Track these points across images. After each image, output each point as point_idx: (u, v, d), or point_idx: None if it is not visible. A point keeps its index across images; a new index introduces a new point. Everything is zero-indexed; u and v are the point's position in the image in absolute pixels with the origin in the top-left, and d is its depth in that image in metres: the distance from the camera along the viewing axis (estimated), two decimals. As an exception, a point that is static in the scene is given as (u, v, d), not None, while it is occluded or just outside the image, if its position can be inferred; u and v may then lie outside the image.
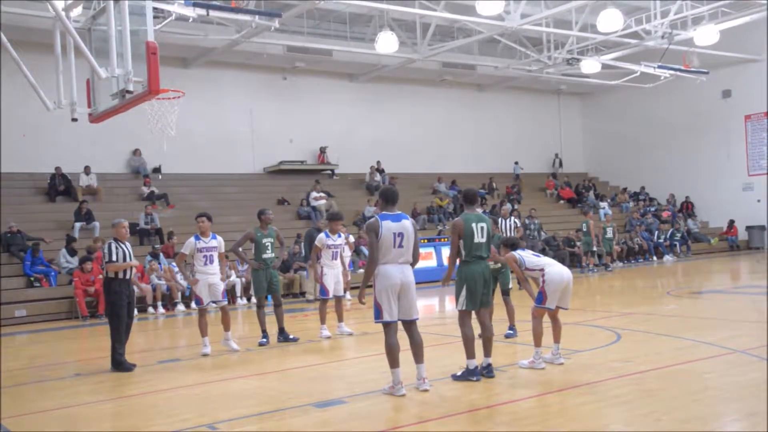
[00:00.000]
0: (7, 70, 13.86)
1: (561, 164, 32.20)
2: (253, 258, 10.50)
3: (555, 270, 7.72)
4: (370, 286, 6.90)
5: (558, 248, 23.14)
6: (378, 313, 6.76)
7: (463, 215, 7.40)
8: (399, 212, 6.90)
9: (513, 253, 8.01)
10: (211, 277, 9.82)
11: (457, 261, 7.41)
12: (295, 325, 12.30)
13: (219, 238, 9.95)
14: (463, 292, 7.22)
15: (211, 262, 9.81)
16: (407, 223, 6.84)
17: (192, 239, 9.81)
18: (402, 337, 6.87)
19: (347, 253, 14.96)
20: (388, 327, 6.78)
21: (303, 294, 17.98)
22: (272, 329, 10.59)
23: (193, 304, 9.49)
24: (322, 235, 10.91)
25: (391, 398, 6.66)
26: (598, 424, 5.70)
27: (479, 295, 7.24)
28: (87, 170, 21.06)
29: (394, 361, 6.71)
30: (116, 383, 8.24)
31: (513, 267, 8.05)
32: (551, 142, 32.95)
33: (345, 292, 11.38)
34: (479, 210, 8.02)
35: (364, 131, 27.16)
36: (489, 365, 7.33)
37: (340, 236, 11.05)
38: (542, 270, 7.72)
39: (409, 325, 6.89)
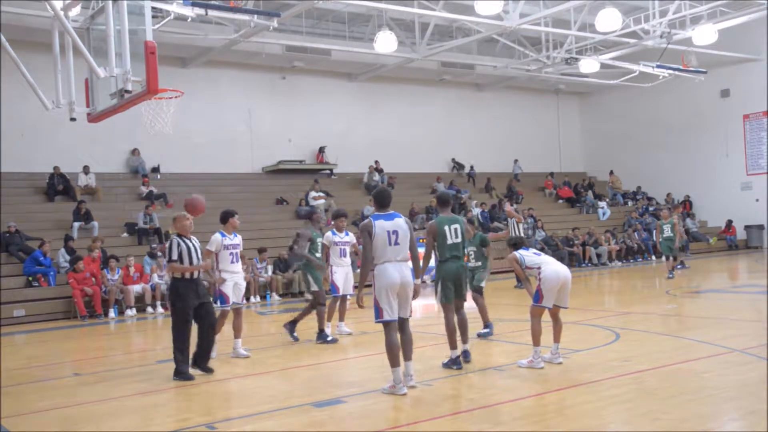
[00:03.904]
0: (6, 69, 13.85)
1: (462, 167, 29.61)
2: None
3: (551, 269, 7.73)
4: (369, 286, 6.91)
5: (556, 248, 23.15)
6: (378, 313, 6.79)
7: (437, 218, 7.86)
8: (392, 212, 6.97)
9: (514, 253, 8.00)
10: (237, 277, 9.45)
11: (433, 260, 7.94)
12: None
13: (239, 236, 9.71)
14: (439, 288, 7.81)
15: (237, 260, 9.46)
16: (401, 221, 6.90)
17: (218, 236, 9.25)
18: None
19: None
20: (388, 326, 6.80)
21: (302, 294, 17.98)
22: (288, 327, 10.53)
23: (218, 303, 8.98)
24: (329, 233, 10.84)
25: (390, 398, 6.66)
26: (596, 424, 5.70)
27: (453, 291, 7.78)
28: (86, 170, 21.05)
29: (394, 361, 6.72)
30: (115, 383, 8.23)
31: (514, 267, 8.03)
32: (550, 142, 32.97)
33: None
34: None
35: (362, 131, 27.16)
36: (465, 351, 7.90)
37: (347, 234, 10.96)
38: (539, 268, 7.74)
39: (402, 323, 6.93)
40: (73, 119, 9.66)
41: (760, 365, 7.32)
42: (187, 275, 8.14)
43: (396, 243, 6.78)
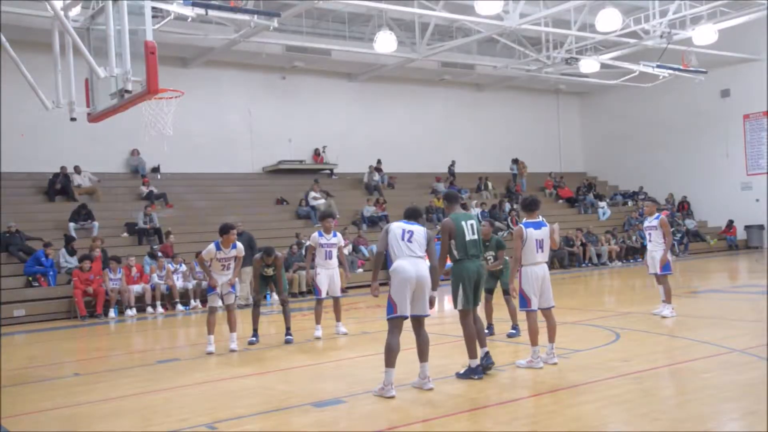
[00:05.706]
0: (6, 69, 13.84)
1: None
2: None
3: (527, 269, 7.72)
4: (384, 284, 6.93)
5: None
6: (391, 309, 6.79)
7: (452, 215, 7.47)
8: (416, 222, 7.12)
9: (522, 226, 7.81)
10: (224, 278, 10.06)
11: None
12: (291, 324, 12.26)
13: (239, 245, 10.07)
14: (460, 292, 7.31)
15: (229, 269, 10.04)
16: (419, 228, 7.03)
17: (212, 247, 9.88)
18: (405, 336, 6.89)
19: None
20: (394, 325, 6.79)
21: (302, 294, 17.98)
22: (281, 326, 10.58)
23: (199, 304, 9.34)
24: (315, 235, 10.88)
25: (390, 397, 6.65)
26: (596, 424, 5.71)
27: (473, 294, 7.36)
28: (77, 169, 20.94)
29: (390, 361, 6.71)
30: (115, 383, 8.24)
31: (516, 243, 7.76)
32: (550, 142, 32.96)
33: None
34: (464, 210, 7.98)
35: (363, 131, 27.15)
36: (487, 353, 7.45)
37: (335, 235, 10.97)
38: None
39: (419, 323, 6.93)
40: (73, 119, 9.65)
41: (760, 365, 7.33)
42: None
43: (409, 240, 6.88)
